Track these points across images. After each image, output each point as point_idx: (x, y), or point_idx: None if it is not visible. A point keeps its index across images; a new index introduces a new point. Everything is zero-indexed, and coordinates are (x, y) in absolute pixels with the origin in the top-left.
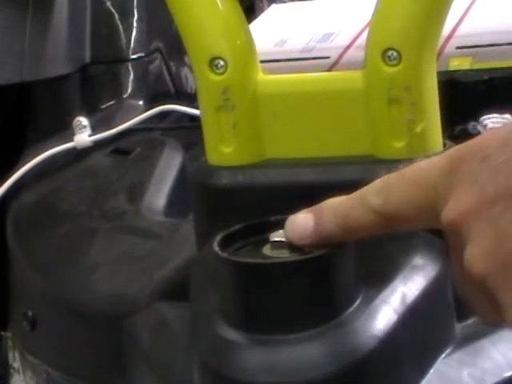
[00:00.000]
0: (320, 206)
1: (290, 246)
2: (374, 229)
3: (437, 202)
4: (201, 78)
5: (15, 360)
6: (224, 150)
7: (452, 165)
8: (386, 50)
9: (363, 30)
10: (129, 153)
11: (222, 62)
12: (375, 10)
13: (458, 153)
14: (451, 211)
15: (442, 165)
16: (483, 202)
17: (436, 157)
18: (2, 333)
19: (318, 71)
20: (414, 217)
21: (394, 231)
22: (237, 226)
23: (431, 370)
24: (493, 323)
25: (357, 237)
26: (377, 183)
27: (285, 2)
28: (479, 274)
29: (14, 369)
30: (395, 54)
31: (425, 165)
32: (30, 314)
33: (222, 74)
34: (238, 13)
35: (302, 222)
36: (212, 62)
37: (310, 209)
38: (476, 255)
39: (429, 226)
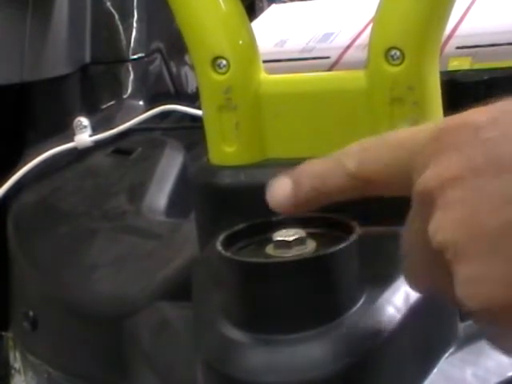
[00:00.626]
0: (297, 169)
1: (290, 244)
2: (348, 191)
3: (412, 168)
4: (203, 78)
5: (16, 360)
6: (226, 149)
7: (437, 133)
8: (389, 49)
9: (363, 30)
10: (129, 153)
11: (224, 62)
12: (378, 9)
13: (445, 123)
14: (429, 178)
15: (426, 132)
16: (470, 169)
17: (421, 125)
18: (3, 333)
19: (317, 71)
20: (388, 181)
21: (370, 195)
22: (240, 226)
23: (434, 370)
24: (436, 298)
25: (332, 200)
26: (353, 145)
27: (285, 1)
28: (443, 241)
29: (14, 369)
30: (398, 53)
31: (406, 132)
32: (30, 314)
33: (224, 73)
34: (241, 12)
35: (279, 187)
36: (214, 62)
37: (288, 172)
38: (446, 222)
39: (403, 192)
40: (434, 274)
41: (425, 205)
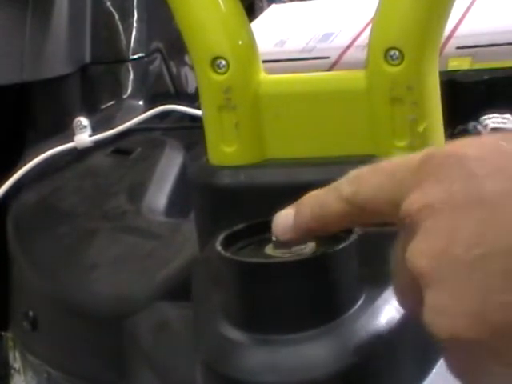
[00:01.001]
0: (300, 200)
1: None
2: (346, 219)
3: (401, 194)
4: (203, 78)
5: (16, 360)
6: (226, 149)
7: (425, 160)
8: (389, 49)
9: (363, 30)
10: (129, 153)
11: (223, 62)
12: (377, 9)
13: (434, 151)
14: (413, 202)
15: (415, 160)
16: (449, 202)
17: (414, 153)
18: (3, 333)
19: (317, 71)
20: (383, 208)
21: (366, 223)
22: (239, 226)
23: (433, 370)
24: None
25: (331, 229)
26: (351, 174)
27: (285, 2)
28: (417, 268)
29: (14, 369)
30: (397, 53)
31: (400, 159)
32: (30, 313)
33: (223, 73)
34: (240, 12)
35: (283, 217)
36: (214, 62)
37: (293, 204)
38: (421, 250)
39: (394, 219)
40: (415, 297)
41: (407, 229)
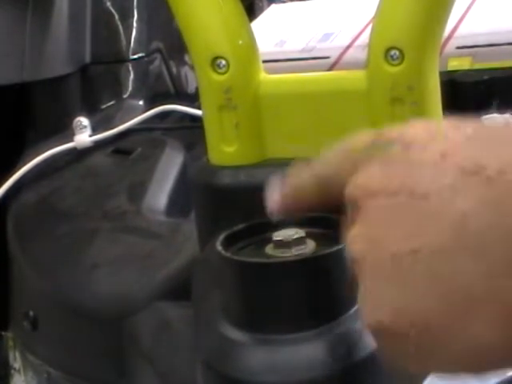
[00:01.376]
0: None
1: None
2: (316, 196)
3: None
4: (203, 78)
5: (16, 360)
6: (226, 149)
7: (374, 140)
8: (389, 49)
9: (363, 30)
10: (129, 153)
11: (223, 62)
12: (378, 9)
13: (386, 132)
14: (356, 185)
15: (369, 138)
16: (386, 189)
17: (376, 131)
18: (3, 333)
19: (317, 71)
20: (340, 184)
21: (337, 208)
22: (239, 226)
23: None
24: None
25: (305, 207)
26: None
27: (285, 2)
28: (353, 253)
29: (14, 369)
30: (398, 53)
31: (362, 136)
32: (30, 313)
33: (224, 73)
34: (240, 12)
35: (274, 186)
36: (214, 62)
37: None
38: (358, 236)
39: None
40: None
41: (351, 212)
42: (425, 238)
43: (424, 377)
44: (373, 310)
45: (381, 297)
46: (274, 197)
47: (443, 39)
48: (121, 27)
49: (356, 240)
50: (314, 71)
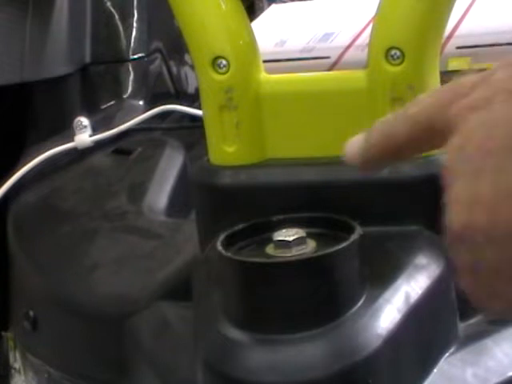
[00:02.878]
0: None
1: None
2: (413, 138)
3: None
4: (203, 78)
5: (16, 360)
6: (227, 149)
7: (477, 81)
8: (390, 49)
9: (363, 30)
10: (130, 153)
11: (224, 62)
12: (378, 9)
13: (486, 75)
14: (460, 104)
15: (471, 80)
16: (488, 105)
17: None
18: (3, 333)
19: (317, 71)
20: (441, 125)
21: (433, 144)
22: (240, 226)
23: (434, 370)
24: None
25: (400, 151)
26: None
27: (285, 1)
28: (445, 166)
29: (14, 369)
30: (398, 52)
31: (453, 82)
32: (31, 313)
33: (224, 73)
34: (241, 12)
35: (354, 141)
36: (214, 62)
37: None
38: (454, 144)
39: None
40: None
41: (451, 130)
42: (501, 141)
43: (424, 376)
44: (461, 210)
45: (472, 196)
46: (357, 145)
47: (443, 39)
48: (121, 27)
49: (451, 149)
50: (314, 71)
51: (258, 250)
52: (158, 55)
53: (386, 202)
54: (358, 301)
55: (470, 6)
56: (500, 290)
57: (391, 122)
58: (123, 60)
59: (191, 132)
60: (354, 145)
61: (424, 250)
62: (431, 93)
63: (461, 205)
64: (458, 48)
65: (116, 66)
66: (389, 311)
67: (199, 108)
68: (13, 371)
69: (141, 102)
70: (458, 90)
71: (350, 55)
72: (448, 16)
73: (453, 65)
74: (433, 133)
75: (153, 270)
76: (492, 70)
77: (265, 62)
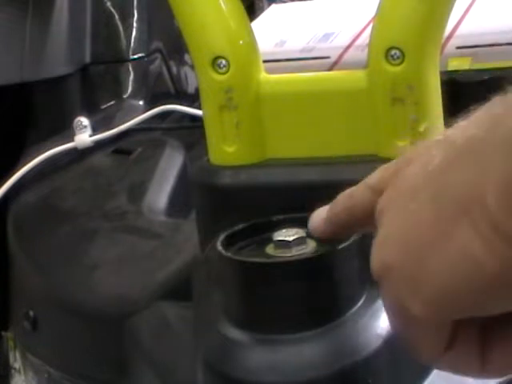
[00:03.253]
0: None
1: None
2: (372, 210)
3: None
4: (203, 78)
5: (16, 360)
6: (227, 149)
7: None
8: (390, 48)
9: (363, 30)
10: (130, 153)
11: (224, 62)
12: (378, 9)
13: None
14: (380, 200)
15: (400, 159)
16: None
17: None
18: (3, 333)
19: (317, 71)
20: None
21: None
22: (240, 226)
23: (434, 370)
24: None
25: (361, 221)
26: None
27: (285, 1)
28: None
29: (14, 369)
30: (398, 53)
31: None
32: (31, 313)
33: (224, 73)
34: (241, 12)
35: (318, 212)
36: (214, 62)
37: None
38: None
39: None
40: None
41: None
42: (426, 158)
43: (424, 377)
44: (379, 251)
45: (388, 234)
46: (320, 217)
47: (443, 39)
48: (121, 27)
49: (382, 199)
50: (314, 71)
51: (258, 250)
52: (157, 55)
53: None
54: (358, 301)
55: (470, 6)
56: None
57: (352, 191)
58: (123, 60)
59: (191, 132)
60: (318, 216)
61: None
62: (391, 162)
63: (379, 247)
64: (458, 48)
65: (116, 66)
66: None
67: (199, 108)
68: (13, 371)
69: (141, 102)
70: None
71: (350, 55)
72: (448, 16)
73: (453, 65)
74: None
75: (153, 270)
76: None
77: (265, 62)
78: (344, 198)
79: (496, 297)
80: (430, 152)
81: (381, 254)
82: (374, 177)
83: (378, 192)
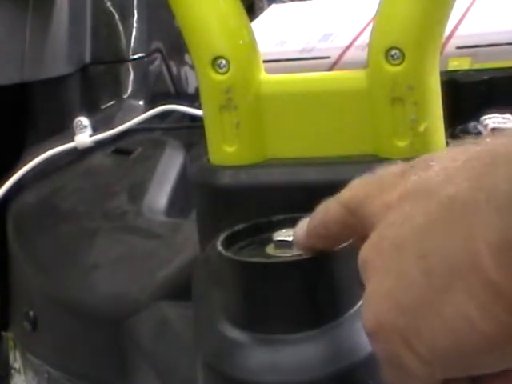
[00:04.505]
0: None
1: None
2: (345, 225)
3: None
4: (203, 78)
5: (16, 360)
6: (227, 149)
7: (402, 173)
8: (390, 49)
9: (363, 30)
10: (130, 153)
11: (224, 62)
12: (378, 9)
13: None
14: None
15: (397, 169)
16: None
17: (401, 163)
18: (3, 333)
19: (317, 71)
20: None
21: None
22: (240, 226)
23: None
24: None
25: (334, 236)
26: (353, 180)
27: (285, 1)
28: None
29: (14, 369)
30: (398, 53)
31: (387, 169)
32: (31, 314)
33: (224, 73)
34: (241, 12)
35: (301, 224)
36: (214, 62)
37: None
38: (369, 243)
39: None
40: None
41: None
42: (415, 219)
43: None
44: (371, 308)
45: (377, 291)
46: (301, 230)
47: (443, 39)
48: (121, 27)
49: (366, 246)
50: (314, 71)
51: (258, 250)
52: (157, 55)
53: None
54: (358, 301)
55: (470, 5)
56: None
57: (327, 206)
58: (123, 60)
59: (191, 132)
60: (301, 227)
61: None
62: (363, 181)
63: (369, 302)
64: (458, 48)
65: (116, 66)
66: None
67: (199, 108)
68: (13, 371)
69: (141, 102)
70: (384, 181)
71: (350, 55)
72: (448, 16)
73: (453, 65)
74: (358, 221)
75: (153, 270)
76: (416, 163)
77: (265, 62)
78: (320, 213)
79: (495, 358)
80: (411, 199)
81: (373, 311)
82: (347, 194)
83: (350, 210)
